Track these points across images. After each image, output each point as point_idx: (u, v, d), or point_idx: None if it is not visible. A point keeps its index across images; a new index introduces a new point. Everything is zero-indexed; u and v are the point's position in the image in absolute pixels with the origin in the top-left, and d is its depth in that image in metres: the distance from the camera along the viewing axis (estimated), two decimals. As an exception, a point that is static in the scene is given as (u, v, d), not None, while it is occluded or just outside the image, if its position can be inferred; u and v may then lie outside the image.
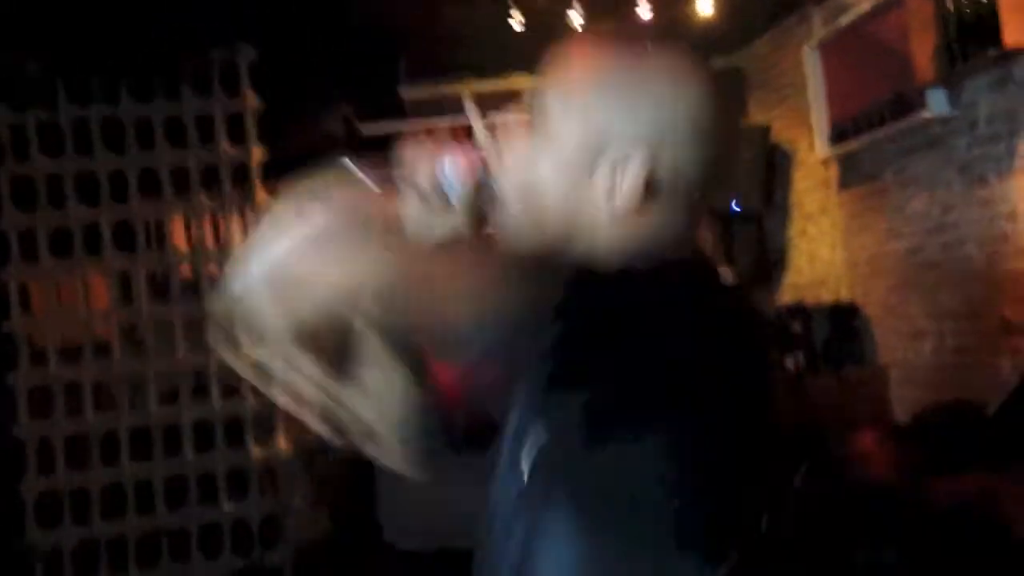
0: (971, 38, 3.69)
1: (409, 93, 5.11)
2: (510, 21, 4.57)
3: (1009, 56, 3.52)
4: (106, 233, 3.84)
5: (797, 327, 4.63)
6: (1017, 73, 3.59)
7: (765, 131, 5.23)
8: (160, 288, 3.97)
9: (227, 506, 3.80)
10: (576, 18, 4.67)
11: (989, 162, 3.78)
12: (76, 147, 3.84)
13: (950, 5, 3.80)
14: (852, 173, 4.73)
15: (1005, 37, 3.44)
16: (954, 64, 3.80)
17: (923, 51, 3.99)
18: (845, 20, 4.53)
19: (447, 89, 5.13)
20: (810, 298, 5.00)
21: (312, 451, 3.89)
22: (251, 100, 4.02)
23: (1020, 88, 3.59)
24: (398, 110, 5.10)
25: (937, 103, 3.93)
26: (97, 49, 3.83)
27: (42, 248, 3.79)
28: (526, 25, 4.58)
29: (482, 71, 5.18)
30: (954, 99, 3.90)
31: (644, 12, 4.66)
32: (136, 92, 3.92)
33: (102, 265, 3.86)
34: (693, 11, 4.72)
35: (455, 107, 5.12)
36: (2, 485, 3.64)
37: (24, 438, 3.69)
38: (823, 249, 5.03)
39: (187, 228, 4.20)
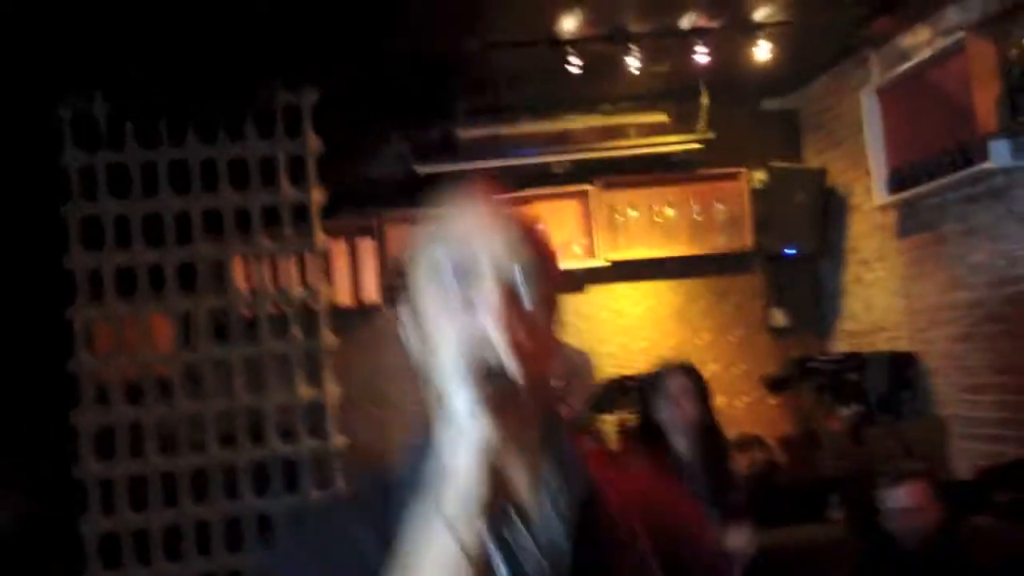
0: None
1: (465, 133, 5.14)
2: (568, 64, 4.59)
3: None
4: (170, 273, 3.87)
5: (852, 376, 4.55)
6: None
7: (820, 174, 5.19)
8: (219, 329, 3.99)
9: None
10: (633, 62, 4.68)
11: (1055, 216, 3.74)
12: (143, 188, 3.88)
13: (1013, 54, 3.76)
14: (911, 220, 4.67)
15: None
16: (1017, 114, 3.75)
17: (985, 100, 3.94)
18: (905, 66, 4.49)
19: (503, 129, 5.15)
20: (866, 346, 4.93)
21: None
22: (313, 142, 4.04)
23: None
24: (454, 150, 5.13)
25: (999, 154, 3.87)
26: (165, 93, 3.89)
27: (108, 288, 3.82)
28: (583, 68, 4.60)
29: (537, 111, 5.21)
30: (1017, 150, 3.85)
31: (701, 56, 4.67)
32: (202, 134, 3.96)
33: (165, 305, 3.89)
34: (750, 53, 4.72)
35: (510, 147, 5.15)
36: (64, 524, 3.66)
37: (86, 478, 3.71)
38: (880, 296, 4.95)
39: (246, 269, 4.23)
